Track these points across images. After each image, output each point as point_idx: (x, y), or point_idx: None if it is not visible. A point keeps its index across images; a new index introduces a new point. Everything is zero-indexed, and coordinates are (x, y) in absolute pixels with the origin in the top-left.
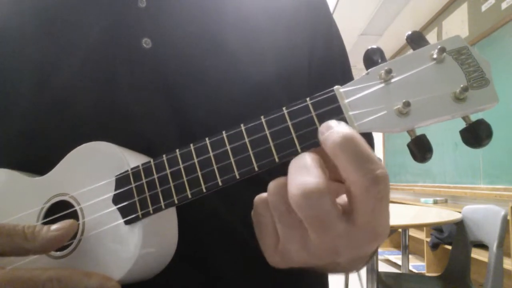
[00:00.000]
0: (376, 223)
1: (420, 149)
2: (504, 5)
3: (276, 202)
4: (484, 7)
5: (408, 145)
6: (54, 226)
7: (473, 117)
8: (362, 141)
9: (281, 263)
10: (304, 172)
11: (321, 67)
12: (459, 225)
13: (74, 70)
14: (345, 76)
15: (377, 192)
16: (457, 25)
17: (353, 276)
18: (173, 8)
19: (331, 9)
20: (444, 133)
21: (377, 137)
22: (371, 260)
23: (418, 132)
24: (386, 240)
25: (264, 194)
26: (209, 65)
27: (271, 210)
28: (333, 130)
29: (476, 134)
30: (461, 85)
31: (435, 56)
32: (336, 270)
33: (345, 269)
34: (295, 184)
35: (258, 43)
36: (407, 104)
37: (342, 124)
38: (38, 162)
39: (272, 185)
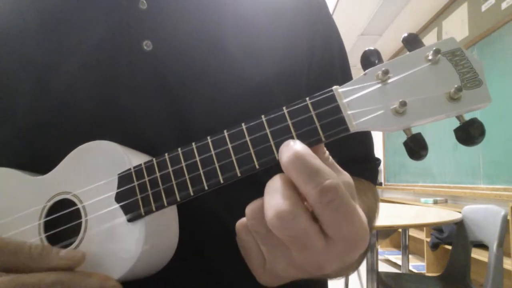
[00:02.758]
0: (347, 232)
1: (416, 146)
2: (504, 5)
3: (255, 225)
4: (484, 7)
5: (405, 143)
6: (63, 253)
7: (467, 117)
8: (310, 156)
9: (271, 282)
10: (276, 195)
11: (321, 68)
12: (459, 225)
13: (75, 71)
14: (345, 76)
15: (328, 201)
16: (457, 25)
17: (353, 276)
18: (174, 10)
19: (331, 9)
20: (444, 133)
21: (377, 138)
22: (363, 260)
23: (415, 131)
24: (386, 240)
25: (244, 219)
26: (209, 67)
27: (253, 233)
28: (285, 149)
29: (469, 133)
30: (455, 86)
31: (430, 57)
32: (328, 278)
33: (338, 276)
34: (270, 207)
35: (258, 44)
36: (403, 104)
37: (297, 142)
38: (39, 162)
39: (248, 209)
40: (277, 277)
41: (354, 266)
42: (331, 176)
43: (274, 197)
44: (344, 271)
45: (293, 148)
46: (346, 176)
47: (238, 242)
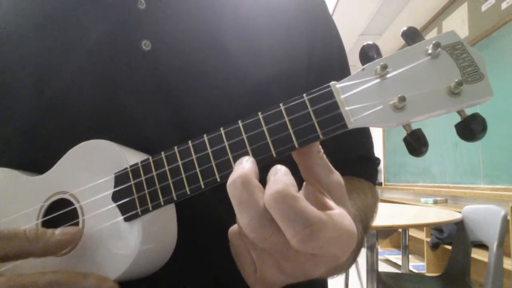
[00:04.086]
0: (332, 253)
1: (416, 143)
2: (504, 5)
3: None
4: (484, 7)
5: (404, 139)
6: (58, 231)
7: (469, 112)
8: (290, 198)
9: None
10: (244, 205)
11: (320, 67)
12: (459, 225)
13: (74, 71)
14: (344, 76)
15: (310, 248)
16: (457, 25)
17: (353, 276)
18: (173, 10)
19: (331, 9)
20: (444, 133)
21: (377, 137)
22: (357, 256)
23: (415, 127)
24: (386, 240)
25: (236, 226)
26: (208, 67)
27: (243, 239)
28: (270, 184)
29: (470, 128)
30: (456, 80)
31: (430, 51)
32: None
33: (329, 276)
34: (240, 219)
35: (257, 44)
36: (402, 99)
37: (279, 176)
38: (38, 162)
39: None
40: (267, 284)
41: (347, 265)
42: (313, 219)
43: (243, 207)
44: (335, 271)
45: (272, 187)
46: (336, 176)
47: (231, 248)
